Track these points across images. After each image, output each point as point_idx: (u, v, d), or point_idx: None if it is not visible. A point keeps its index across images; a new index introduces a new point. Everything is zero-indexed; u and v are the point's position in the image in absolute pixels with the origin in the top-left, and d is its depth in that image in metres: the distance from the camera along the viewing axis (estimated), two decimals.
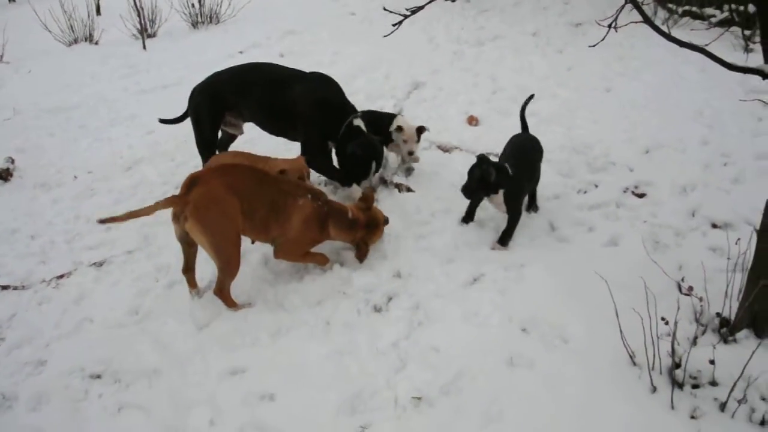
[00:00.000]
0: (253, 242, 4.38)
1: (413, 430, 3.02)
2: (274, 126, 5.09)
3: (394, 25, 3.25)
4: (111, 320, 4.09)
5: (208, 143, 5.20)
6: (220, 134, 5.34)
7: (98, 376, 3.68)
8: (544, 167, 5.23)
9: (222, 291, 3.92)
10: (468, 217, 4.57)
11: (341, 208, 4.19)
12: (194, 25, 11.33)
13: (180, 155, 6.30)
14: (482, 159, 4.13)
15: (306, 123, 4.82)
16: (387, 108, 6.84)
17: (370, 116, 5.20)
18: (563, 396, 3.08)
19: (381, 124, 5.19)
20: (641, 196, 4.83)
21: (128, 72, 9.63)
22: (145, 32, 10.88)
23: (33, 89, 9.27)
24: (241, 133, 5.48)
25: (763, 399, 2.82)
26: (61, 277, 4.61)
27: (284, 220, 3.93)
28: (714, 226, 4.38)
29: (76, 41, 11.54)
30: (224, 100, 5.05)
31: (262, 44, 9.84)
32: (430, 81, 7.52)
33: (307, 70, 5.07)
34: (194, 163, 5.72)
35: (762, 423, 2.76)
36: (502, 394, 3.11)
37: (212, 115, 5.11)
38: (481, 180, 4.08)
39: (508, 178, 4.14)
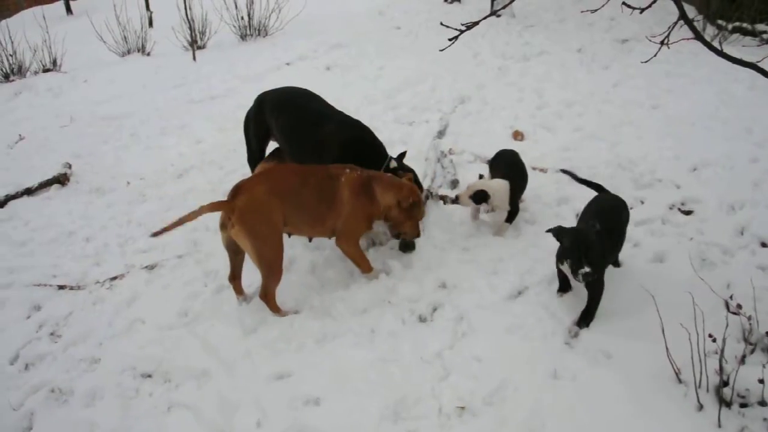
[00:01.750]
0: (310, 240, 4.48)
1: None
2: (302, 158, 5.08)
3: (450, 39, 3.32)
4: (161, 322, 4.22)
5: (254, 159, 5.31)
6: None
7: (149, 376, 3.82)
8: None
9: (267, 296, 4.03)
10: (564, 285, 3.96)
11: (380, 173, 4.35)
12: (243, 37, 11.64)
13: (229, 164, 6.48)
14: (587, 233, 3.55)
15: (337, 161, 4.77)
16: (432, 122, 6.92)
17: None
18: (607, 411, 3.08)
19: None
20: (688, 213, 4.78)
21: (179, 82, 9.93)
22: (195, 44, 11.21)
23: (88, 98, 9.65)
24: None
25: None
26: (115, 278, 4.78)
27: (336, 202, 4.04)
28: (763, 245, 4.32)
29: (129, 52, 11.99)
30: (269, 119, 5.10)
31: (308, 57, 10.05)
32: (476, 95, 7.57)
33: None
34: (243, 171, 5.86)
35: None
36: (545, 406, 3.13)
37: (257, 132, 5.21)
38: (587, 252, 3.40)
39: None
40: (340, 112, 4.91)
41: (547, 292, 3.98)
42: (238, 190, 3.90)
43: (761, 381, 2.84)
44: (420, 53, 9.35)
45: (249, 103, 7.53)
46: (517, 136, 6.48)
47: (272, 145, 5.34)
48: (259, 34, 11.70)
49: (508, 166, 4.81)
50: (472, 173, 5.63)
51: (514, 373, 3.34)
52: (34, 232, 5.64)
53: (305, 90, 5.19)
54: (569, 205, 4.98)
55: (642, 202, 4.95)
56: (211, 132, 7.64)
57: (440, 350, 3.60)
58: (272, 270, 3.95)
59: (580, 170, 5.50)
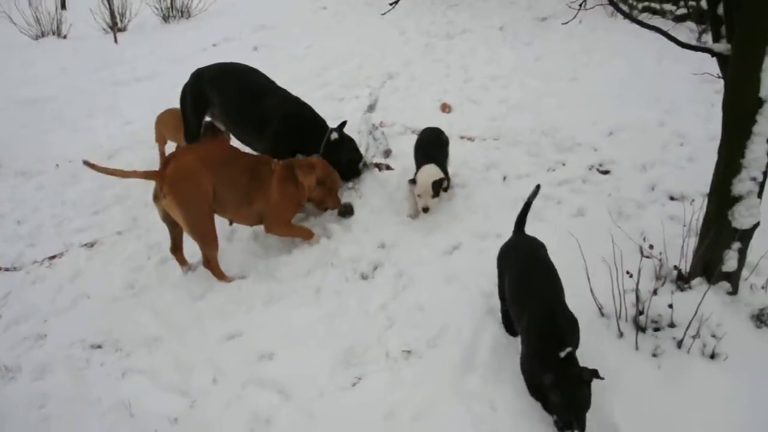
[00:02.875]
0: (231, 224, 4.53)
1: (405, 379, 3.27)
2: (241, 134, 5.21)
3: (391, 3, 3.51)
4: (107, 295, 4.26)
5: (192, 133, 5.35)
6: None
7: (99, 346, 3.86)
8: (514, 151, 5.58)
9: (209, 263, 4.13)
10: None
11: (294, 159, 4.51)
12: (165, 19, 11.44)
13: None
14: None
15: (277, 136, 4.90)
16: (362, 98, 7.09)
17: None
18: None
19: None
20: (605, 173, 5.16)
21: (100, 65, 9.70)
22: (116, 26, 10.92)
23: (3, 84, 9.26)
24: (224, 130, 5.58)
25: (714, 336, 3.14)
26: (53, 257, 4.74)
27: (267, 187, 4.14)
28: (672, 198, 4.73)
29: (43, 35, 11.53)
30: (206, 94, 5.15)
31: (234, 38, 10.01)
32: (403, 72, 7.78)
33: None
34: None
35: (712, 356, 3.10)
36: (483, 342, 3.40)
37: (194, 107, 5.25)
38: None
39: None
40: (280, 87, 5.01)
41: (480, 247, 4.24)
42: (168, 160, 3.96)
43: (670, 306, 3.20)
44: (347, 33, 9.49)
45: (178, 84, 7.44)
46: (445, 108, 6.73)
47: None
48: (182, 16, 11.54)
49: (429, 146, 4.86)
50: (404, 144, 5.85)
51: (454, 317, 3.59)
52: None
53: (244, 65, 5.27)
54: (497, 170, 5.27)
55: (564, 164, 5.30)
56: (140, 113, 7.52)
57: (384, 303, 3.82)
58: (205, 239, 4.03)
59: (506, 138, 5.84)
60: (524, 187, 4.88)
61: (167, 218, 4.09)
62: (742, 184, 3.05)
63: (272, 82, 5.05)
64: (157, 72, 9.08)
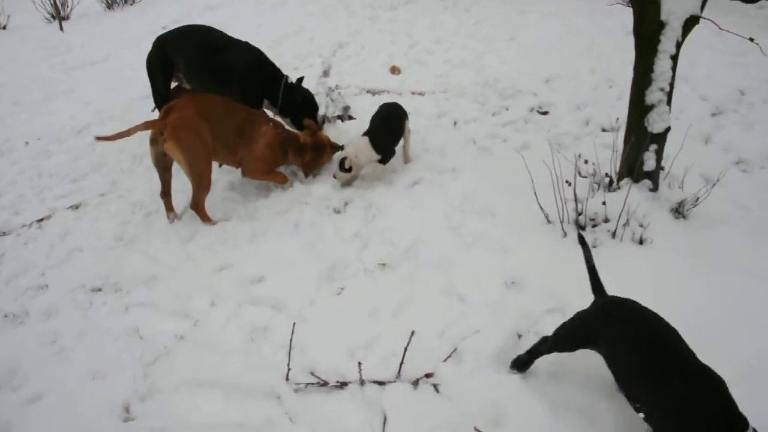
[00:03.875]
0: (220, 165, 4.95)
1: (383, 285, 3.75)
2: (210, 87, 5.53)
3: None
4: (99, 247, 4.58)
5: (161, 96, 5.65)
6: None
7: (99, 289, 4.18)
8: (461, 101, 6.10)
9: (197, 205, 4.51)
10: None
11: (295, 135, 4.85)
12: (109, 6, 11.52)
13: (128, 116, 6.68)
14: None
15: (243, 84, 5.36)
16: (315, 66, 7.49)
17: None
18: (494, 246, 3.91)
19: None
20: (544, 113, 5.75)
21: (50, 53, 9.80)
22: (59, 14, 10.95)
23: None
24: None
25: (641, 225, 3.74)
26: (42, 220, 5.02)
27: (250, 143, 4.57)
28: (603, 130, 5.33)
29: None
30: (170, 57, 5.49)
31: (183, 20, 10.10)
32: (352, 41, 8.21)
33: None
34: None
35: (641, 242, 3.70)
36: (449, 250, 3.92)
37: (162, 71, 5.56)
38: None
39: None
40: (235, 39, 5.40)
41: (439, 180, 4.76)
42: (169, 109, 4.32)
43: (604, 203, 3.78)
44: (294, 9, 9.83)
45: (133, 65, 7.77)
46: (395, 70, 7.21)
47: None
48: (126, 2, 11.61)
49: (375, 121, 5.01)
50: (360, 102, 6.32)
51: (422, 233, 4.10)
52: None
53: (200, 25, 5.63)
54: (447, 117, 5.81)
55: (507, 109, 5.86)
56: (99, 93, 7.76)
57: (357, 230, 4.29)
58: (202, 181, 4.43)
59: (453, 91, 6.36)
60: (473, 130, 5.47)
61: (160, 163, 4.46)
62: (652, 95, 3.64)
63: (230, 37, 5.44)
64: (110, 55, 9.26)
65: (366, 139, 4.76)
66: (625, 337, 2.56)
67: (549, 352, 2.92)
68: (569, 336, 2.85)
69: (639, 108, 3.75)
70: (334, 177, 4.84)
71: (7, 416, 3.25)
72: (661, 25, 3.50)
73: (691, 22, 3.52)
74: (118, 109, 7.08)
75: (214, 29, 5.57)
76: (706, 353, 2.39)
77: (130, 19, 10.79)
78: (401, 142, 5.03)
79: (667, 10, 3.45)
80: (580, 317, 2.85)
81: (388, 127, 4.97)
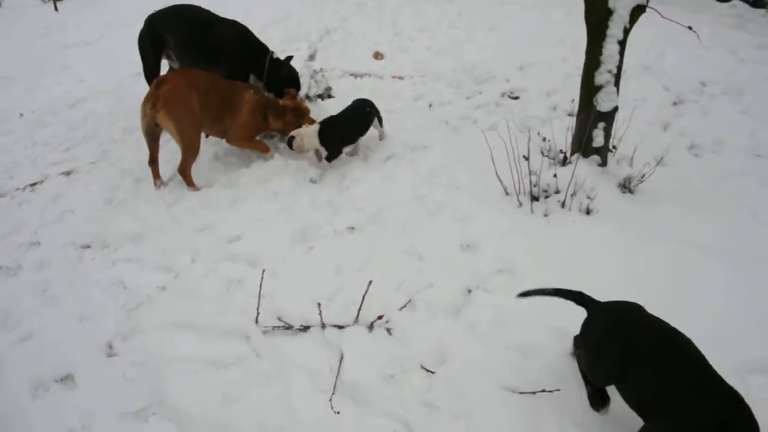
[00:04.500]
0: (207, 136, 5.25)
1: (350, 244, 4.08)
2: (198, 63, 5.78)
3: None
4: (90, 209, 4.87)
5: (151, 72, 5.94)
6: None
7: (88, 246, 4.48)
8: (438, 85, 6.41)
9: (184, 170, 4.82)
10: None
11: (274, 100, 5.19)
12: None
13: (122, 91, 7.00)
14: None
15: (230, 59, 5.65)
16: (302, 50, 7.78)
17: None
18: (455, 216, 4.23)
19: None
20: (516, 98, 6.08)
21: (45, 32, 10.05)
22: None
23: None
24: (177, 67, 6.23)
25: (588, 197, 4.07)
26: (35, 184, 5.31)
27: (235, 111, 4.87)
28: (569, 114, 5.65)
29: None
30: (160, 34, 5.77)
31: (176, 2, 10.42)
32: (339, 27, 8.52)
33: None
34: (137, 96, 6.41)
35: (588, 212, 4.04)
36: (411, 217, 4.25)
37: (152, 48, 5.85)
38: None
39: None
40: (222, 17, 5.70)
41: (410, 155, 5.08)
42: (161, 81, 4.62)
43: (555, 175, 4.11)
44: None
45: (125, 45, 8.01)
46: (378, 56, 7.52)
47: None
48: None
49: (338, 115, 5.16)
50: (343, 84, 6.64)
51: (389, 202, 4.42)
52: None
53: (189, 5, 5.91)
54: (423, 99, 6.14)
55: (480, 93, 6.19)
56: (93, 71, 8.04)
57: (330, 198, 4.61)
58: (191, 147, 4.74)
59: (431, 76, 6.68)
60: (447, 111, 5.79)
61: (150, 133, 4.77)
62: (601, 76, 3.98)
63: (218, 16, 5.73)
64: (104, 35, 9.52)
65: (317, 127, 4.95)
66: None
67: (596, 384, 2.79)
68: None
69: (589, 88, 4.09)
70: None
71: (1, 353, 3.56)
72: (609, 12, 3.83)
73: (638, 11, 3.86)
74: (111, 85, 7.36)
75: (202, 8, 5.86)
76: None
77: (123, 1, 11.01)
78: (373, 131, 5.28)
79: None
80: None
81: (346, 124, 5.08)
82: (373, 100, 5.30)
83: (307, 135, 4.94)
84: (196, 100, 4.67)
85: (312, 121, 5.24)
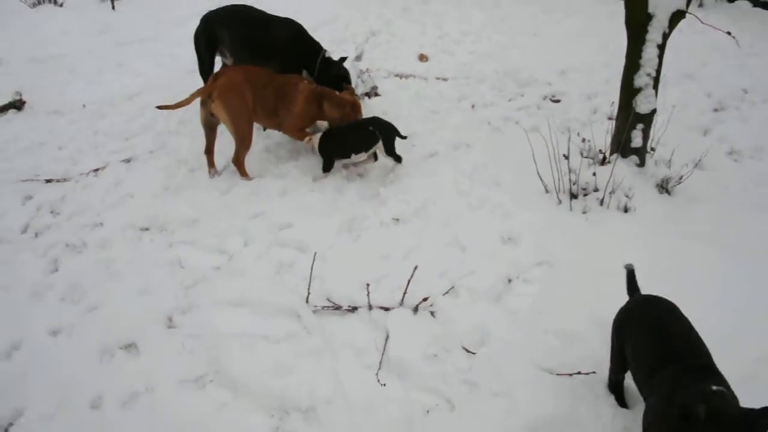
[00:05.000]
0: (264, 129, 5.50)
1: (395, 234, 4.28)
2: (253, 60, 6.11)
3: None
4: (148, 194, 5.15)
5: (206, 69, 6.24)
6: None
7: (147, 228, 4.76)
8: (481, 87, 6.58)
9: (238, 160, 5.08)
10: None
11: (330, 90, 5.39)
12: None
13: (177, 87, 7.28)
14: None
15: (284, 55, 5.91)
16: (349, 51, 8.02)
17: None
18: (498, 212, 4.40)
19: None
20: (557, 101, 6.22)
21: (102, 29, 10.47)
22: None
23: (10, 44, 9.97)
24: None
25: (626, 196, 4.20)
26: (97, 170, 5.63)
27: (290, 102, 5.10)
28: (609, 118, 5.77)
29: (40, 2, 12.18)
30: (216, 33, 6.07)
31: (228, 3, 10.79)
32: (385, 30, 8.76)
33: None
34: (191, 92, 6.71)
35: (625, 210, 4.17)
36: (456, 212, 4.43)
37: (207, 45, 6.14)
38: None
39: None
40: (277, 16, 5.96)
41: (453, 154, 5.27)
42: (218, 74, 4.90)
43: (594, 174, 4.25)
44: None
45: (181, 43, 8.38)
46: (423, 58, 7.72)
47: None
48: None
49: (346, 125, 5.19)
50: (388, 84, 6.86)
51: (433, 196, 4.62)
52: (6, 144, 6.33)
53: (244, 5, 6.18)
54: (467, 100, 6.32)
55: (522, 95, 6.35)
56: (149, 67, 8.40)
57: (376, 191, 4.82)
58: (244, 138, 4.99)
59: (474, 78, 6.86)
60: (489, 112, 5.97)
61: (207, 123, 5.04)
62: (640, 79, 4.12)
63: (273, 15, 5.99)
64: (159, 33, 9.90)
65: (322, 135, 5.08)
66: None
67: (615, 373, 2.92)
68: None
69: (628, 90, 4.23)
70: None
71: (70, 321, 3.85)
72: (649, 17, 3.98)
73: (677, 16, 4.00)
74: (165, 80, 7.69)
75: (255, 8, 6.13)
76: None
77: (177, 1, 11.44)
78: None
79: (654, 3, 3.94)
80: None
81: (345, 137, 5.07)
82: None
83: (318, 138, 5.09)
84: (251, 93, 4.92)
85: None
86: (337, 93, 5.37)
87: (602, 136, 5.07)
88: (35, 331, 3.81)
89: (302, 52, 5.89)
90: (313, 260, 3.73)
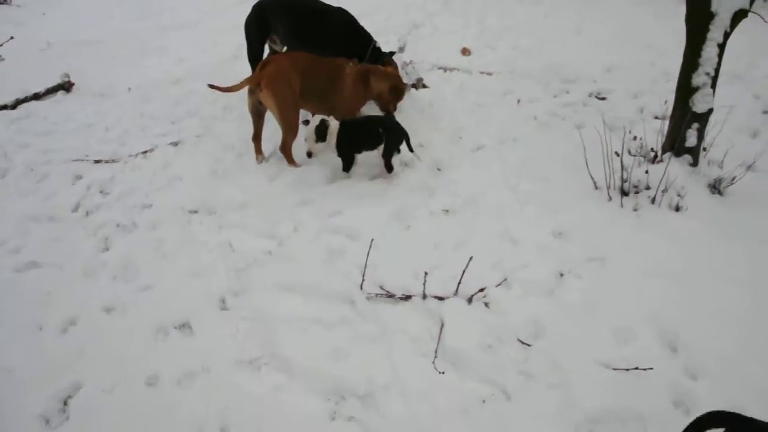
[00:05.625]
0: (313, 114, 5.53)
1: (445, 225, 4.29)
2: (305, 48, 6.16)
3: None
4: (197, 177, 5.22)
5: (255, 56, 6.28)
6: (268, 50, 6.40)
7: (195, 211, 4.82)
8: (526, 82, 6.54)
9: (285, 148, 5.12)
10: None
11: (374, 66, 5.47)
12: None
13: (220, 73, 7.33)
14: None
15: (337, 44, 5.93)
16: (392, 43, 8.03)
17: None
18: (547, 210, 4.39)
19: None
20: (602, 99, 6.16)
21: (142, 15, 10.62)
22: None
23: (56, 27, 10.16)
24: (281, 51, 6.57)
25: (678, 195, 4.17)
26: (146, 152, 5.71)
27: (339, 86, 5.15)
28: (656, 117, 5.72)
29: None
30: (269, 20, 6.11)
31: None
32: (427, 22, 8.73)
33: None
34: (236, 78, 6.71)
35: (677, 209, 4.14)
36: (505, 203, 4.42)
37: (259, 33, 6.19)
38: None
39: None
40: (330, 5, 5.99)
41: (499, 148, 5.26)
42: (266, 62, 4.93)
43: (646, 171, 4.22)
44: None
45: (221, 29, 8.46)
46: (465, 52, 7.69)
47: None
48: None
49: (365, 119, 5.24)
50: (432, 76, 6.86)
51: (482, 189, 4.62)
52: (55, 125, 6.45)
53: None
54: (512, 95, 6.29)
55: (567, 92, 6.30)
56: (191, 53, 8.48)
57: (425, 180, 4.83)
58: (291, 126, 5.03)
59: (518, 73, 6.82)
60: (535, 108, 5.94)
61: (255, 110, 5.08)
62: (698, 78, 4.08)
63: (327, 4, 6.03)
64: (199, 20, 9.99)
65: (335, 126, 4.89)
66: None
67: None
68: None
69: (685, 89, 4.20)
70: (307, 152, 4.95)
71: (123, 299, 3.92)
72: (711, 16, 3.93)
73: (739, 15, 3.94)
74: (209, 67, 7.76)
75: None
76: (724, 306, 2.83)
77: None
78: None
79: (717, 1, 3.89)
80: None
81: (361, 133, 4.95)
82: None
83: (332, 136, 4.91)
84: (298, 80, 4.94)
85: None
86: (380, 66, 5.39)
87: (650, 135, 5.03)
88: (90, 308, 3.89)
89: (354, 42, 5.93)
90: (370, 247, 3.75)
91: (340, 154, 4.99)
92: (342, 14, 5.96)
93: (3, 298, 4.07)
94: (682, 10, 4.32)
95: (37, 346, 3.66)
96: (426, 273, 3.57)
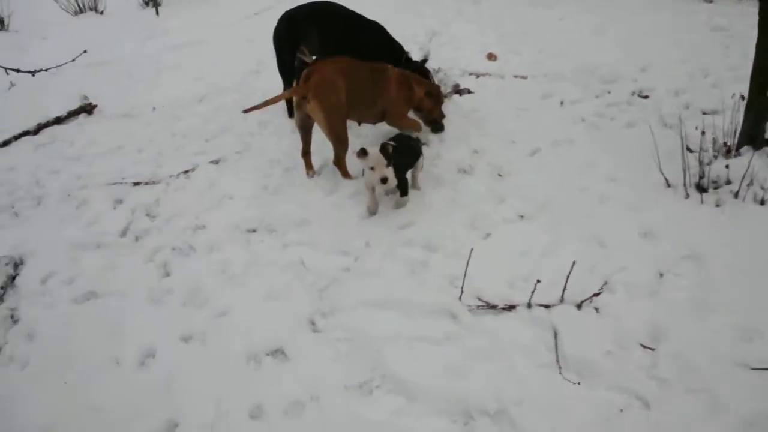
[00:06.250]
0: (359, 124, 5.38)
1: (526, 233, 4.16)
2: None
3: None
4: (248, 195, 5.03)
5: (286, 67, 6.13)
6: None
7: (254, 230, 4.63)
8: (563, 84, 6.47)
9: (339, 162, 4.96)
10: None
11: (411, 72, 5.43)
12: None
13: (244, 89, 7.24)
14: None
15: (373, 56, 5.81)
16: (414, 52, 7.93)
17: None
18: (619, 212, 4.28)
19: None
20: (645, 97, 6.10)
21: (149, 35, 10.40)
22: (155, 1, 11.61)
23: (61, 51, 9.77)
24: (311, 61, 6.43)
25: (762, 188, 4.09)
26: (187, 172, 5.51)
27: (384, 89, 5.04)
28: (704, 113, 5.65)
29: (81, 10, 12.14)
30: (300, 31, 5.97)
31: (274, 7, 10.65)
32: (445, 30, 8.67)
33: None
34: (263, 92, 6.55)
35: (762, 203, 4.05)
36: (581, 206, 4.33)
37: (290, 44, 6.04)
38: None
39: None
40: (364, 17, 5.90)
41: (556, 151, 5.16)
42: (310, 73, 4.75)
43: (727, 166, 4.15)
44: (381, 1, 10.29)
45: (231, 46, 8.31)
46: (492, 57, 7.62)
47: None
48: None
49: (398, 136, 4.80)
50: (466, 81, 6.77)
51: (553, 191, 4.52)
52: (84, 149, 6.22)
53: (327, 2, 6.09)
54: (553, 98, 6.21)
55: (609, 92, 6.23)
56: (207, 69, 8.30)
57: (490, 186, 4.71)
58: (340, 139, 4.86)
59: (553, 76, 6.75)
60: (579, 109, 5.88)
61: (303, 125, 4.91)
62: None
63: (360, 15, 5.94)
64: (207, 38, 9.80)
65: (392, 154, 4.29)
66: None
67: None
68: None
69: (761, 81, 4.14)
70: (368, 207, 4.62)
71: (200, 328, 3.72)
72: None
73: None
74: (230, 82, 7.60)
75: (343, 6, 6.05)
76: None
77: (221, 5, 11.40)
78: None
79: None
80: None
81: (409, 149, 4.63)
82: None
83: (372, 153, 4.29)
84: (344, 86, 4.77)
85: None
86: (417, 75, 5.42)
87: (709, 129, 4.96)
88: (165, 338, 3.68)
89: (389, 52, 5.85)
90: (470, 256, 3.59)
91: (397, 175, 4.37)
92: (377, 25, 5.95)
93: (68, 332, 3.85)
94: (700, 7, 4.28)
95: (117, 382, 3.43)
96: (538, 281, 3.41)
